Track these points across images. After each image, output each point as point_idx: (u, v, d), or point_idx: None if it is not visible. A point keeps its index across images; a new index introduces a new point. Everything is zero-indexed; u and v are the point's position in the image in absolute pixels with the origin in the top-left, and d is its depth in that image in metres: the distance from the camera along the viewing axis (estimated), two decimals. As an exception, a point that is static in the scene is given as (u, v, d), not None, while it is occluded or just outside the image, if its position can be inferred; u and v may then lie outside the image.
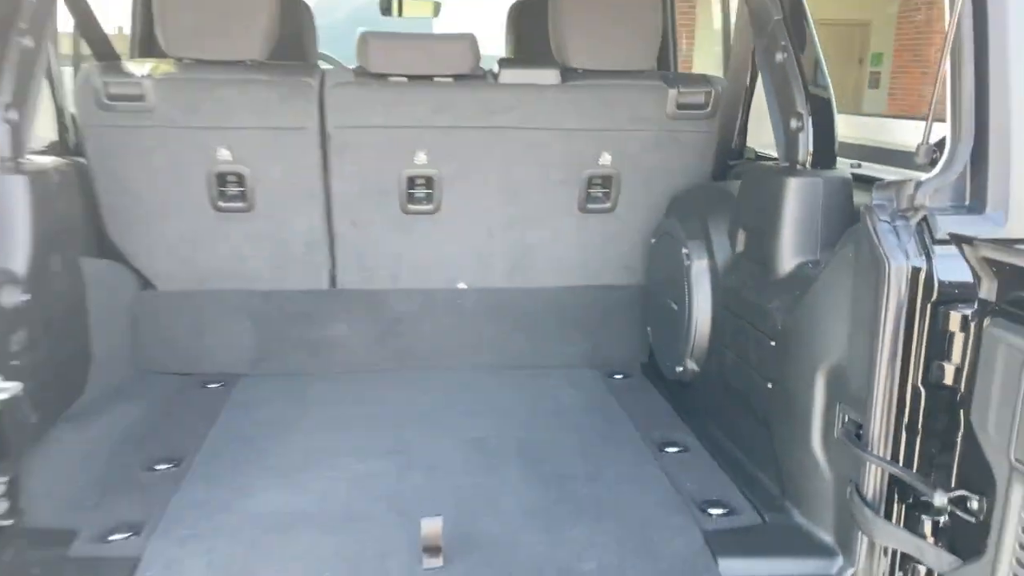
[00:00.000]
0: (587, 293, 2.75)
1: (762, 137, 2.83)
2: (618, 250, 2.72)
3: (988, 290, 1.39)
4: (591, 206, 2.65)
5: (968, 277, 1.42)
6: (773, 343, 1.88)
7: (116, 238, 2.51)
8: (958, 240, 1.44)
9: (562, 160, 2.57)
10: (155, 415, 2.28)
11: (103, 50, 2.60)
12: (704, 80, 2.57)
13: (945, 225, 1.49)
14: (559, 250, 2.70)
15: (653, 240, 2.59)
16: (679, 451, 2.15)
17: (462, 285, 2.71)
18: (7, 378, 1.55)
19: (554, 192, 2.61)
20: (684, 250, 2.30)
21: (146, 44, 3.16)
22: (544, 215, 2.64)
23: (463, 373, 2.63)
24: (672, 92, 2.51)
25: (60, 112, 2.60)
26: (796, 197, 1.90)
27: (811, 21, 2.05)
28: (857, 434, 1.59)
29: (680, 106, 2.53)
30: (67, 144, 2.61)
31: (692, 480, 1.99)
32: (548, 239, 2.68)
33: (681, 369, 2.34)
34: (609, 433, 2.24)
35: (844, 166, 2.12)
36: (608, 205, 2.65)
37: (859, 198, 1.96)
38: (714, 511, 1.84)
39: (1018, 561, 1.29)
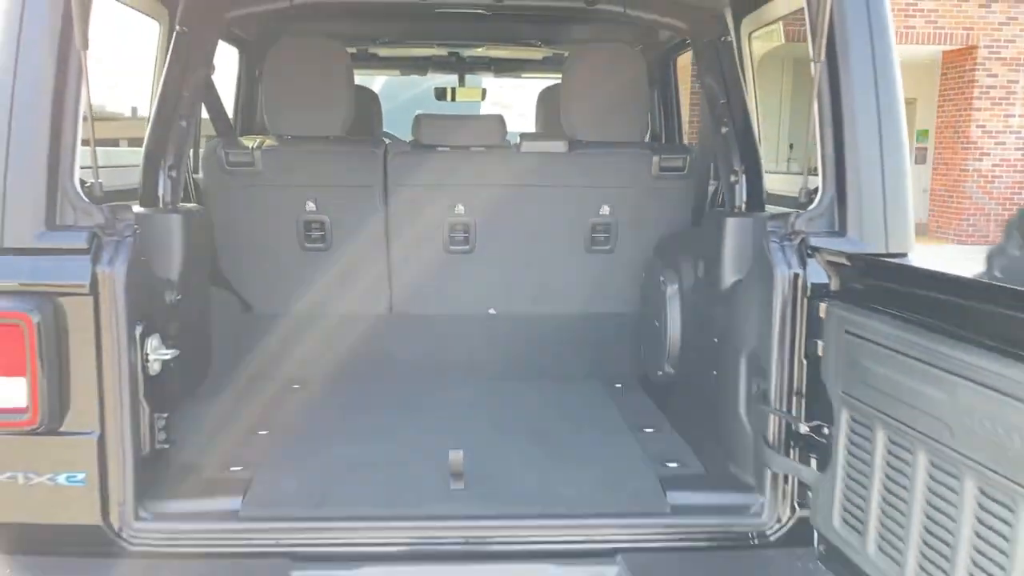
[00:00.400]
0: (593, 318, 3.40)
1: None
2: (617, 283, 3.38)
3: (833, 284, 2.02)
4: (595, 248, 3.32)
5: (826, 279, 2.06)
6: (716, 340, 2.51)
7: (225, 269, 3.27)
8: (813, 250, 2.08)
9: (571, 211, 3.26)
10: (254, 401, 2.98)
11: (223, 127, 3.42)
12: (682, 148, 3.27)
13: (818, 244, 2.13)
14: (570, 283, 3.37)
15: (644, 275, 3.25)
16: (653, 431, 2.77)
17: (492, 311, 3.40)
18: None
19: (565, 236, 3.30)
20: (660, 277, 2.96)
21: (247, 121, 4.02)
22: (557, 255, 3.33)
23: (492, 380, 3.28)
24: (655, 158, 3.21)
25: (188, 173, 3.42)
26: (733, 233, 2.55)
27: (748, 104, 2.74)
28: (764, 398, 2.20)
29: (662, 168, 3.22)
30: (190, 195, 3.41)
31: (658, 449, 2.60)
32: (561, 274, 3.36)
33: (661, 373, 2.96)
34: (601, 420, 2.87)
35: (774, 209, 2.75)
36: (608, 247, 3.32)
37: None
38: (669, 464, 2.45)
39: (847, 463, 1.89)
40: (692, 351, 2.76)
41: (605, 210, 3.26)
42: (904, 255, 2.16)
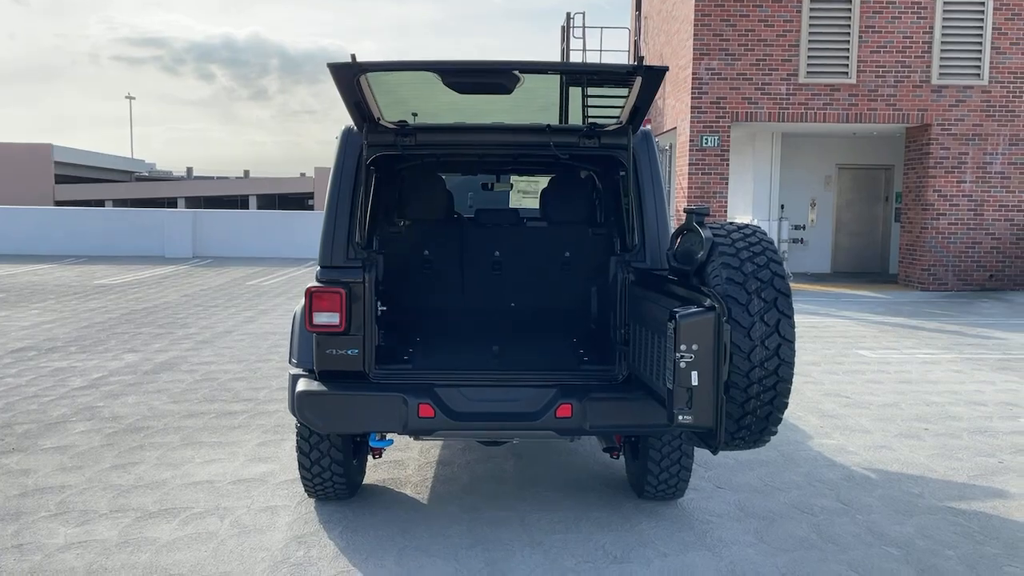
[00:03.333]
0: (559, 308, 6.63)
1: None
2: (574, 288, 6.62)
3: (633, 277, 5.24)
4: (563, 268, 6.56)
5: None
6: (611, 308, 5.74)
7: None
8: (630, 267, 5.30)
9: (549, 252, 6.51)
10: (417, 327, 6.23)
11: (387, 213, 6.78)
12: (605, 225, 6.54)
13: (634, 264, 5.34)
14: (550, 287, 6.61)
15: (591, 283, 6.49)
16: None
17: (512, 304, 6.63)
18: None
19: (548, 264, 6.54)
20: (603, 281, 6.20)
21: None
22: (543, 273, 6.56)
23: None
24: (590, 229, 6.46)
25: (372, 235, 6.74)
26: (613, 263, 5.77)
27: (643, 195, 6.02)
28: (623, 337, 5.41)
29: (594, 234, 6.47)
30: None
31: (588, 354, 5.80)
32: (546, 283, 6.59)
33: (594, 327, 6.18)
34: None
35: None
36: (570, 269, 6.56)
37: None
38: (586, 357, 5.65)
39: (632, 343, 5.09)
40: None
41: (567, 253, 6.51)
42: (665, 269, 5.34)
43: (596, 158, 5.50)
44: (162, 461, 6.54)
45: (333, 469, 5.36)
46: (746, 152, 21.60)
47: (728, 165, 19.01)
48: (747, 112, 18.75)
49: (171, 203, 62.61)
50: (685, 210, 4.50)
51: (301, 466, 5.40)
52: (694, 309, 3.68)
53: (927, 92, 18.75)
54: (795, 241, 21.74)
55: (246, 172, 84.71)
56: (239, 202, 66.25)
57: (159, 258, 24.47)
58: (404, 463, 6.51)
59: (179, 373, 9.67)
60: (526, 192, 10.11)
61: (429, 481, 6.14)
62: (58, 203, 56.80)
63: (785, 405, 3.93)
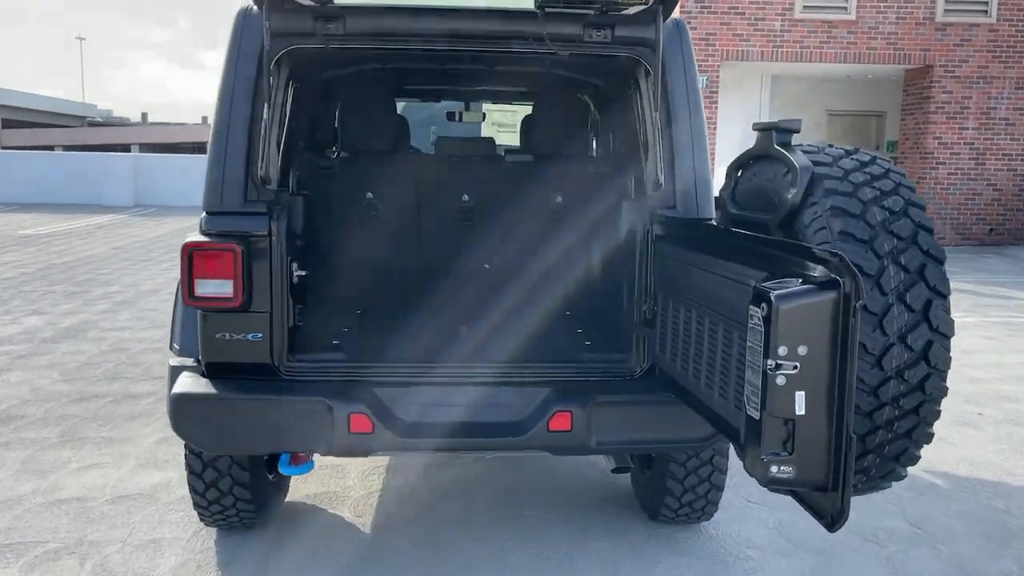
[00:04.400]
0: (552, 263, 5.15)
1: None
2: (568, 241, 5.13)
3: (663, 232, 3.75)
4: (553, 218, 5.07)
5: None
6: (622, 270, 4.26)
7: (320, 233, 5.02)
8: (657, 217, 3.82)
9: (535, 197, 5.00)
10: (354, 292, 4.72)
11: (316, 142, 5.19)
12: (607, 158, 5.01)
13: (660, 213, 3.86)
14: (538, 240, 5.12)
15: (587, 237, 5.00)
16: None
17: (486, 265, 5.13)
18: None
19: (533, 213, 5.04)
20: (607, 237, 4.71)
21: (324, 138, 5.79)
22: (528, 224, 5.07)
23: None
24: (591, 166, 4.95)
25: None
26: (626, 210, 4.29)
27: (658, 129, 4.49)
28: (631, 297, 3.93)
29: (595, 172, 4.96)
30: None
31: (593, 339, 4.33)
32: (535, 235, 5.10)
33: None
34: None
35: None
36: (560, 217, 5.07)
37: None
38: (587, 343, 4.17)
39: (662, 324, 3.62)
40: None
41: (559, 198, 5.00)
42: (709, 219, 3.88)
43: (605, 63, 3.95)
44: (27, 466, 5.00)
45: (236, 493, 3.88)
46: (734, 96, 20.07)
47: (717, 109, 17.51)
48: (738, 51, 17.21)
49: (125, 150, 59.77)
50: (759, 127, 2.99)
51: (192, 488, 3.90)
52: (799, 286, 2.17)
53: (930, 30, 17.30)
54: (783, 192, 20.39)
55: (204, 118, 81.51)
56: (196, 149, 63.52)
57: (97, 206, 22.51)
58: (343, 469, 5.03)
59: (83, 342, 8.06)
60: (502, 125, 8.50)
61: (375, 497, 4.67)
62: (4, 148, 53.89)
63: (929, 437, 2.49)
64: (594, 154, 5.47)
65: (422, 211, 5.05)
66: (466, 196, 5.00)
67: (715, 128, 17.52)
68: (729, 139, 20.30)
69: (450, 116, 6.93)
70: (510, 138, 7.41)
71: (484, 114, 7.12)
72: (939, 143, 17.77)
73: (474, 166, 4.99)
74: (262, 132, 3.59)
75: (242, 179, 3.68)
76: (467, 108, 6.89)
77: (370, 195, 4.95)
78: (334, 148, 5.37)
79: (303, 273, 3.95)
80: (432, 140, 7.67)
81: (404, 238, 5.08)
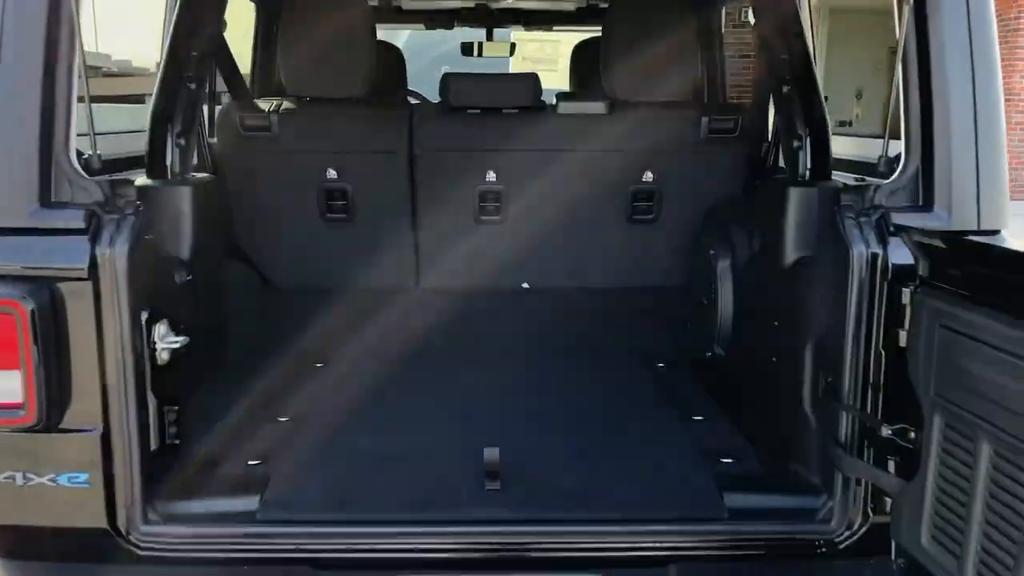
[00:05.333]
0: (633, 293, 3.18)
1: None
2: (661, 256, 3.15)
3: (922, 268, 1.77)
4: (636, 217, 3.08)
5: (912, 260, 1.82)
6: (777, 323, 2.27)
7: (242, 241, 3.08)
8: (899, 230, 1.83)
9: (611, 178, 3.02)
10: (274, 385, 2.81)
11: (239, 89, 3.20)
12: (734, 108, 3.00)
13: (900, 220, 1.88)
14: (609, 256, 3.14)
15: (691, 247, 3.01)
16: (702, 419, 2.55)
17: (525, 285, 3.18)
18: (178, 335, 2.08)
19: (604, 206, 3.06)
20: (711, 251, 2.72)
21: (264, 83, 3.78)
22: (596, 225, 3.09)
23: (525, 358, 3.08)
24: (704, 119, 2.94)
25: (201, 139, 3.21)
26: (796, 204, 2.30)
27: (814, 61, 2.47)
28: (834, 391, 1.98)
29: (712, 131, 2.96)
30: (206, 164, 3.21)
31: (711, 440, 2.39)
32: (600, 246, 3.13)
33: (711, 354, 2.74)
34: (645, 406, 2.66)
35: (844, 178, 2.50)
36: (652, 217, 3.08)
37: None
38: (724, 459, 2.24)
39: (940, 475, 1.66)
40: (747, 332, 2.53)
41: (648, 176, 3.01)
42: (997, 232, 1.91)
43: None
44: None
45: None
46: (787, 31, 17.75)
47: (771, 46, 15.22)
48: (798, -23, 14.83)
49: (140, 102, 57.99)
50: None
51: None
52: None
53: (1022, -48, 14.83)
54: (839, 141, 18.17)
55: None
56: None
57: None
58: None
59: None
60: (539, 62, 6.37)
61: None
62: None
63: None
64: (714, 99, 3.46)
65: (419, 207, 3.08)
66: (492, 173, 3.01)
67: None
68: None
69: (466, 49, 4.87)
70: (547, 80, 5.27)
71: (512, 45, 5.03)
72: (1028, 83, 15.42)
73: (505, 123, 2.99)
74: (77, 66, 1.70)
75: (34, 160, 1.79)
76: (489, 37, 4.83)
77: (332, 174, 2.98)
78: (266, 95, 3.40)
79: (178, 343, 2.03)
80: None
81: (388, 258, 3.12)
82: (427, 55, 6.22)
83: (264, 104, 2.95)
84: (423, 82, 4.76)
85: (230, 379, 2.68)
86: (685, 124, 2.95)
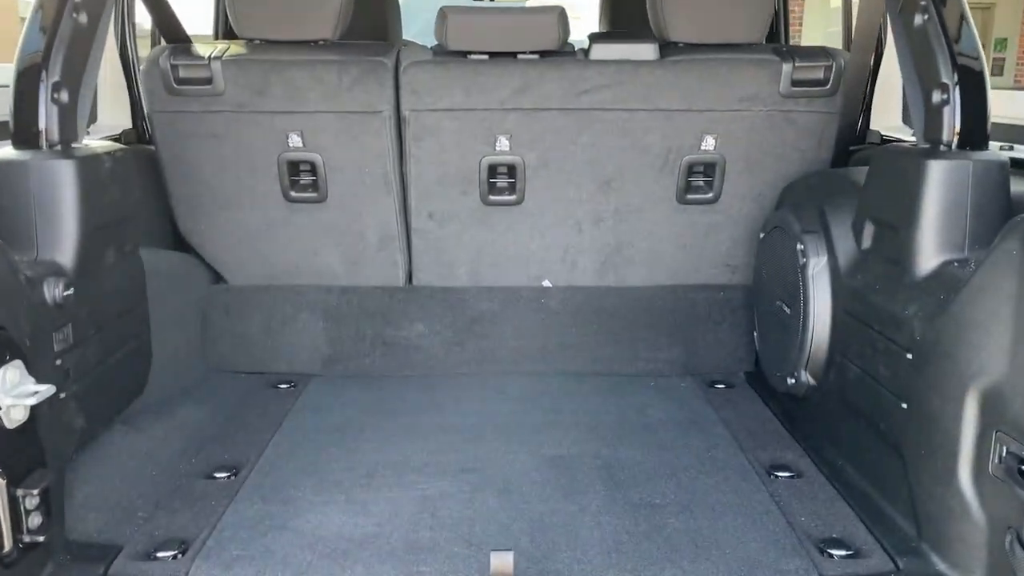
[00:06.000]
0: (685, 294, 2.48)
1: (888, 118, 2.52)
2: (721, 246, 2.45)
3: None
4: (691, 196, 2.38)
5: None
6: (910, 356, 1.58)
7: (186, 229, 2.41)
8: None
9: (659, 145, 2.31)
10: (219, 418, 2.15)
11: (170, 30, 2.49)
12: (824, 53, 2.27)
13: None
14: (655, 246, 2.45)
15: (762, 235, 2.30)
16: (791, 476, 1.87)
17: (547, 283, 2.49)
18: (46, 380, 1.42)
19: (650, 181, 2.36)
20: (799, 246, 2.02)
21: (228, 29, 3.07)
22: (638, 207, 2.39)
23: (546, 380, 2.41)
24: (786, 67, 2.22)
25: (135, 99, 2.53)
26: (940, 183, 1.60)
27: None
28: (1020, 470, 1.30)
29: (796, 83, 2.24)
30: (141, 132, 2.53)
31: (808, 513, 1.72)
32: (643, 233, 2.43)
33: (793, 381, 2.05)
34: (708, 453, 1.98)
35: (994, 148, 1.80)
36: (711, 195, 2.37)
37: (1016, 187, 1.65)
38: (836, 552, 1.56)
39: None
40: (853, 361, 1.84)
41: (708, 143, 2.30)
42: None
43: None
44: None
45: None
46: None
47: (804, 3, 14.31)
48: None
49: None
50: None
51: None
52: None
53: None
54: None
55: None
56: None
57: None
58: None
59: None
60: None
61: None
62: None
63: None
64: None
65: (410, 183, 2.38)
66: (504, 141, 2.31)
67: (800, 25, 14.36)
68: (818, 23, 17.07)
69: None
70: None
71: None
72: (1077, 39, 14.46)
73: (523, 73, 2.27)
74: None
75: None
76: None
77: (295, 141, 2.28)
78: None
79: (36, 394, 1.37)
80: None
81: (369, 248, 2.44)
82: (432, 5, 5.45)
83: (204, 50, 2.25)
84: (417, 27, 4.02)
85: (150, 419, 2.02)
86: (761, 74, 2.23)
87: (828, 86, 2.25)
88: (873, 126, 2.50)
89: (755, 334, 2.38)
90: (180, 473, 1.85)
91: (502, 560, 1.40)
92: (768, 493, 1.79)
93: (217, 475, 1.85)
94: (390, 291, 2.49)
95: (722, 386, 2.41)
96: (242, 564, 1.52)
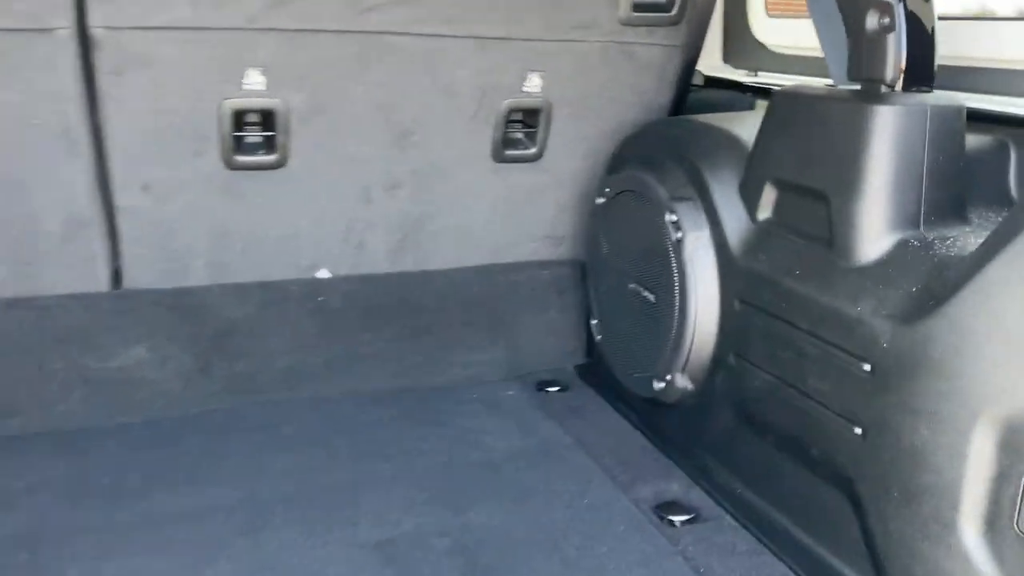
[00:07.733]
0: (504, 275, 1.97)
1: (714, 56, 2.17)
2: (545, 213, 1.96)
3: None
4: (509, 152, 1.85)
5: None
6: (867, 367, 1.20)
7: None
8: None
9: (471, 84, 1.74)
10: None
11: None
12: None
13: None
14: (465, 217, 1.89)
15: (601, 200, 1.84)
16: (690, 519, 1.45)
17: (324, 273, 1.84)
18: None
19: (460, 133, 1.78)
20: (669, 216, 1.57)
21: None
22: (445, 167, 1.82)
23: (337, 408, 1.78)
24: None
25: None
26: (890, 136, 1.22)
27: None
28: None
29: (637, 7, 1.77)
30: None
31: (732, 573, 1.31)
32: (450, 201, 1.86)
33: (663, 385, 1.63)
34: (583, 500, 1.50)
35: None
36: (533, 150, 1.86)
37: (972, 142, 1.32)
38: None
39: None
40: (757, 361, 1.44)
41: (533, 83, 1.77)
42: None
43: None
44: None
45: None
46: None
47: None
48: None
49: None
50: None
51: None
52: None
53: None
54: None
55: None
56: None
57: None
58: None
59: None
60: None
61: None
62: None
63: None
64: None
65: (107, 142, 1.59)
66: (258, 77, 1.60)
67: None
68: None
69: None
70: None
71: None
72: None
73: None
74: None
75: None
76: None
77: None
78: None
79: None
80: None
81: (58, 225, 1.64)
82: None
83: None
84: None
85: None
86: None
87: (673, 12, 1.81)
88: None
89: (593, 323, 1.93)
90: None
91: None
92: (677, 551, 1.35)
93: None
94: (88, 300, 1.69)
95: (555, 388, 1.95)
96: None
